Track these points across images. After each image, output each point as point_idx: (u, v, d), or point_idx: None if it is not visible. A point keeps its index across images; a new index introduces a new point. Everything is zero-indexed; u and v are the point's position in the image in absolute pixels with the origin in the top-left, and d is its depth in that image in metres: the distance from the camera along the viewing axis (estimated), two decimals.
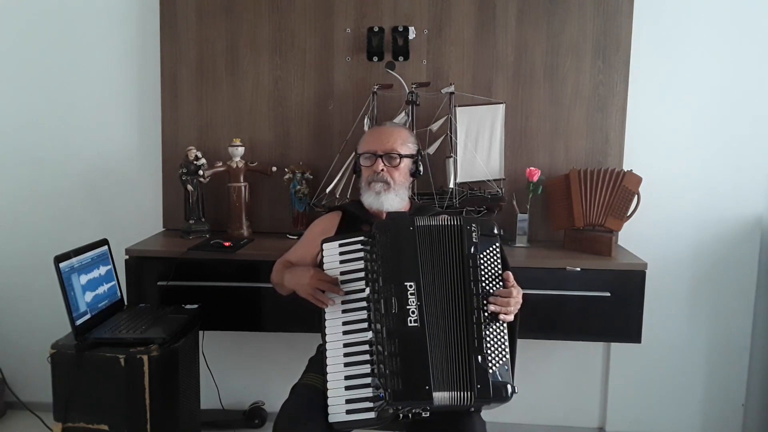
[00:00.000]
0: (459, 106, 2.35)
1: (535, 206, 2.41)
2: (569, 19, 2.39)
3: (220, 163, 2.42)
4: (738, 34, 2.40)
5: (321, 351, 1.63)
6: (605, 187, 2.26)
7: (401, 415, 1.44)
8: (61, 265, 1.86)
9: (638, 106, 2.42)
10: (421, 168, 1.91)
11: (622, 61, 2.39)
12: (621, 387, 2.59)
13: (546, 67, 2.42)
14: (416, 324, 1.44)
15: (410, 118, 2.33)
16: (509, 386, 1.42)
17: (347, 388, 1.48)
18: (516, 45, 2.41)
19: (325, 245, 1.64)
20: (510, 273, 1.53)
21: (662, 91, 2.44)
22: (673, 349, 2.55)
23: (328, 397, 1.49)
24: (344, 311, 1.55)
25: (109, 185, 2.62)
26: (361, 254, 1.57)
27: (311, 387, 1.64)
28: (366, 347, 1.49)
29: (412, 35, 2.42)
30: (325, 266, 1.62)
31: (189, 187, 2.39)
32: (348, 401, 1.47)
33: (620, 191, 2.25)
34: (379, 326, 1.46)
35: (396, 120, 2.33)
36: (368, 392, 1.46)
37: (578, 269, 2.13)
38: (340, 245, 1.62)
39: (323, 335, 1.55)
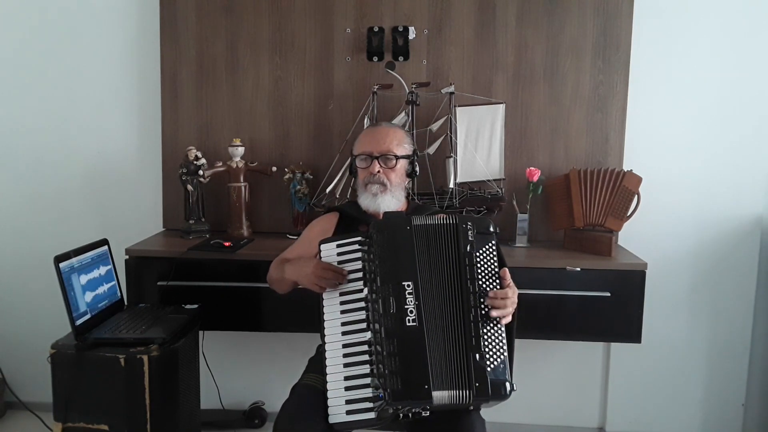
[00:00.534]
0: (459, 106, 2.35)
1: (535, 206, 2.41)
2: (569, 19, 2.39)
3: (220, 163, 2.42)
4: (738, 33, 2.40)
5: (320, 351, 1.63)
6: (605, 187, 2.26)
7: (401, 414, 1.44)
8: (61, 265, 1.86)
9: (638, 106, 2.42)
10: (418, 168, 1.91)
11: (622, 61, 2.39)
12: (621, 387, 2.59)
13: (546, 67, 2.41)
14: (414, 323, 1.44)
15: (410, 118, 2.33)
16: (508, 384, 1.42)
17: (347, 388, 1.48)
18: (516, 45, 2.41)
19: (322, 246, 1.64)
20: (506, 270, 1.53)
21: (662, 91, 2.44)
22: (673, 349, 2.55)
23: (328, 398, 1.49)
24: (343, 312, 1.55)
25: (109, 185, 2.62)
26: (359, 254, 1.57)
27: (311, 387, 1.64)
28: (365, 347, 1.49)
29: (412, 35, 2.42)
30: None
31: (189, 187, 2.39)
32: (348, 401, 1.47)
33: (620, 191, 2.25)
34: (377, 326, 1.46)
35: (396, 120, 2.33)
36: (368, 392, 1.46)
37: (578, 269, 2.13)
38: (338, 246, 1.62)
39: (322, 336, 1.55)
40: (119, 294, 2.15)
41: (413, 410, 1.44)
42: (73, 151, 2.60)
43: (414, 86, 2.35)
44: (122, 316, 2.05)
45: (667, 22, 2.41)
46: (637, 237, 2.40)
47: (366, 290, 1.52)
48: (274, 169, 2.46)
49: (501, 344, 1.46)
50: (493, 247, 1.54)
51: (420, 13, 2.42)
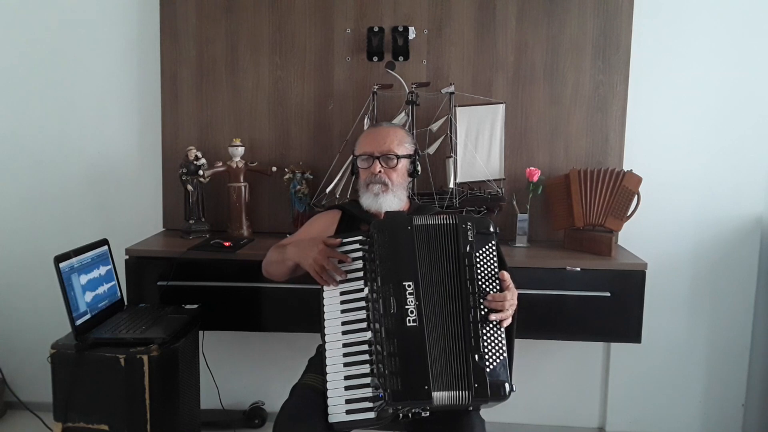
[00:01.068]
0: (459, 106, 2.35)
1: (535, 206, 2.41)
2: (569, 19, 2.39)
3: (220, 163, 2.42)
4: (738, 33, 2.40)
5: (320, 351, 1.63)
6: (605, 187, 2.26)
7: (401, 414, 1.45)
8: (61, 265, 1.86)
9: (638, 106, 2.42)
10: (419, 168, 1.91)
11: (622, 61, 2.39)
12: (621, 387, 2.59)
13: (546, 67, 2.41)
14: (415, 324, 1.44)
15: (410, 118, 2.33)
16: (507, 385, 1.42)
17: (347, 388, 1.48)
18: (516, 45, 2.41)
19: None
20: (506, 273, 1.53)
21: (662, 91, 2.44)
22: (673, 349, 2.55)
23: (327, 398, 1.49)
24: (343, 311, 1.55)
25: (109, 185, 2.62)
26: (360, 254, 1.57)
27: (311, 387, 1.64)
28: (365, 347, 1.49)
29: (412, 35, 2.42)
30: None
31: (189, 187, 2.39)
32: (348, 401, 1.47)
33: (620, 191, 2.25)
34: (378, 326, 1.46)
35: (396, 120, 2.33)
36: (368, 392, 1.46)
37: (578, 269, 2.13)
38: (339, 245, 1.61)
39: (322, 335, 1.55)
40: (119, 294, 2.15)
41: (413, 410, 1.44)
42: (73, 152, 2.60)
43: (414, 86, 2.35)
44: (122, 316, 2.05)
45: (667, 22, 2.41)
46: (637, 237, 2.40)
47: (366, 290, 1.52)
48: (274, 169, 2.46)
49: (500, 345, 1.46)
50: (494, 248, 1.54)
51: (420, 13, 2.42)
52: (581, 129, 2.43)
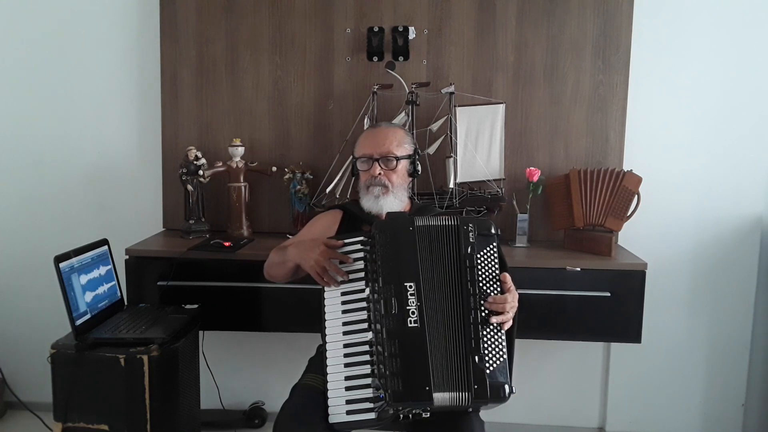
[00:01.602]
0: (459, 106, 2.35)
1: (535, 206, 2.41)
2: (569, 19, 2.39)
3: (220, 163, 2.42)
4: (738, 33, 2.40)
5: (321, 351, 1.63)
6: (605, 187, 2.26)
7: (401, 415, 1.44)
8: (61, 265, 1.86)
9: (638, 106, 2.42)
10: (419, 167, 1.90)
11: (622, 61, 2.39)
12: (621, 387, 2.59)
13: (546, 67, 2.41)
14: (416, 324, 1.44)
15: (410, 118, 2.33)
16: (506, 386, 1.42)
17: (347, 388, 1.48)
18: (516, 45, 2.41)
19: None
20: (507, 275, 1.53)
21: (662, 91, 2.44)
22: (673, 349, 2.55)
23: (328, 398, 1.49)
24: (344, 311, 1.55)
25: (109, 185, 2.62)
26: (361, 254, 1.56)
27: (311, 387, 1.64)
28: (366, 348, 1.49)
29: (412, 35, 2.42)
30: None
31: (189, 187, 2.39)
32: (348, 402, 1.47)
33: (620, 191, 2.25)
34: (379, 327, 1.46)
35: (396, 120, 2.33)
36: (368, 393, 1.46)
37: (578, 269, 2.13)
38: (341, 245, 1.61)
39: (323, 335, 1.55)
40: (119, 294, 2.15)
41: (414, 411, 1.44)
42: (73, 152, 2.60)
43: (414, 86, 2.35)
44: (122, 316, 2.05)
45: (667, 22, 2.41)
46: (637, 237, 2.40)
47: (368, 290, 1.52)
48: (274, 169, 2.46)
49: (501, 346, 1.46)
50: (494, 249, 1.54)
51: (420, 13, 2.42)
52: (581, 129, 2.43)
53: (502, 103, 2.37)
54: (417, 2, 2.41)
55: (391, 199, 1.79)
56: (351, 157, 1.93)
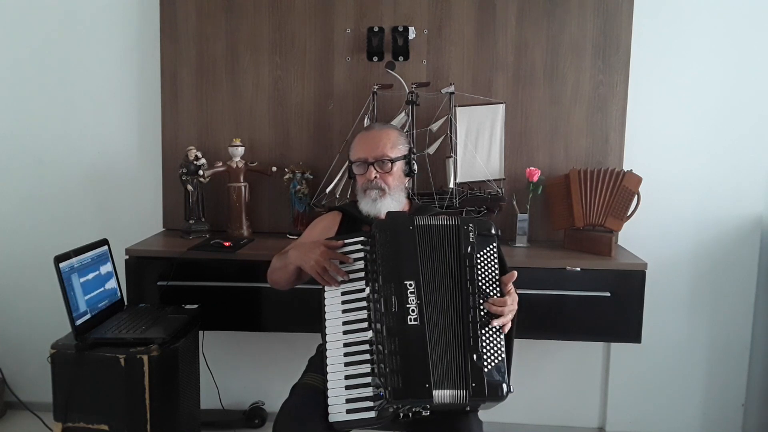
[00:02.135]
0: (459, 106, 2.35)
1: (535, 206, 2.41)
2: (569, 19, 2.39)
3: (220, 163, 2.42)
4: (738, 33, 2.40)
5: (321, 351, 1.63)
6: (605, 187, 2.26)
7: (401, 414, 1.45)
8: (61, 265, 1.86)
9: (638, 106, 2.42)
10: (416, 167, 1.90)
11: (622, 61, 2.39)
12: (621, 387, 2.59)
13: (546, 67, 2.42)
14: (416, 322, 1.44)
15: (410, 118, 2.33)
16: (504, 385, 1.43)
17: (347, 387, 1.48)
18: (516, 45, 2.41)
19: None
20: (514, 273, 1.53)
21: (662, 91, 2.44)
22: (673, 349, 2.55)
23: (328, 397, 1.49)
24: (344, 311, 1.55)
25: (109, 185, 2.62)
26: (362, 254, 1.57)
27: (311, 387, 1.64)
28: (366, 347, 1.49)
29: (412, 35, 2.42)
30: None
31: (189, 187, 2.39)
32: (348, 401, 1.47)
33: (620, 191, 2.25)
34: (379, 325, 1.46)
35: (396, 120, 2.33)
36: (368, 392, 1.46)
37: (578, 269, 2.13)
38: (341, 246, 1.61)
39: (323, 335, 1.55)
40: (119, 294, 2.15)
41: (413, 409, 1.44)
42: (73, 152, 2.60)
43: (414, 86, 2.35)
44: (122, 316, 2.05)
45: (667, 22, 2.41)
46: (637, 237, 2.40)
47: (368, 290, 1.53)
48: (274, 169, 2.46)
49: (499, 346, 1.46)
50: (494, 249, 1.54)
51: (420, 13, 2.42)
52: (581, 129, 2.43)
53: (502, 103, 2.37)
54: (417, 2, 2.41)
55: (389, 201, 1.79)
56: (347, 161, 1.92)
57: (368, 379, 1.47)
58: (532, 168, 2.35)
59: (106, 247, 2.12)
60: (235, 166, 2.41)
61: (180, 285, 2.17)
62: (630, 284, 2.12)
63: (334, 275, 1.57)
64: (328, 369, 1.51)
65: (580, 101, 2.42)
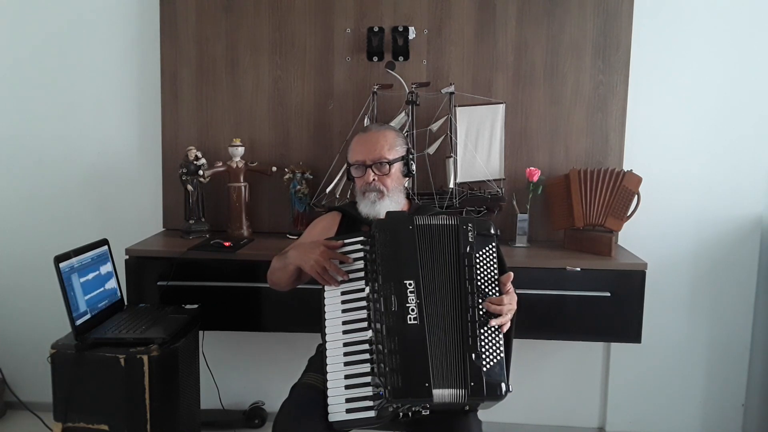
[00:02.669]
0: (459, 106, 2.35)
1: (535, 206, 2.41)
2: (569, 19, 2.39)
3: (220, 163, 2.42)
4: (738, 33, 2.40)
5: (320, 351, 1.63)
6: (605, 187, 2.26)
7: (401, 413, 1.45)
8: (61, 265, 1.86)
9: (638, 106, 2.42)
10: (414, 167, 1.88)
11: (622, 61, 2.39)
12: (621, 387, 2.59)
13: (546, 67, 2.42)
14: (416, 322, 1.44)
15: (410, 118, 2.33)
16: (503, 385, 1.43)
17: (347, 387, 1.48)
18: (516, 45, 2.41)
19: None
20: (511, 274, 1.53)
21: (662, 91, 2.44)
22: (673, 349, 2.55)
23: (328, 397, 1.49)
24: (344, 311, 1.55)
25: (109, 185, 2.62)
26: (361, 254, 1.57)
27: (311, 386, 1.64)
28: (366, 346, 1.49)
29: (412, 35, 2.42)
30: None
31: (189, 187, 2.39)
32: (348, 400, 1.47)
33: (620, 191, 2.25)
34: (378, 325, 1.46)
35: (396, 120, 2.33)
36: (368, 391, 1.46)
37: (578, 269, 2.13)
38: (341, 246, 1.61)
39: (323, 335, 1.55)
40: (119, 294, 2.15)
41: (413, 409, 1.44)
42: (73, 151, 2.60)
43: (414, 86, 2.35)
44: (122, 316, 2.05)
45: (667, 22, 2.41)
46: (637, 237, 2.40)
47: (368, 289, 1.53)
48: (274, 169, 2.46)
49: (498, 345, 1.46)
50: (494, 249, 1.54)
51: (420, 13, 2.42)
52: (581, 129, 2.43)
53: (502, 103, 2.37)
54: (417, 2, 2.41)
55: (388, 203, 1.79)
56: (346, 163, 1.92)
57: (368, 379, 1.47)
58: (532, 168, 2.35)
59: (106, 247, 2.12)
60: (235, 166, 2.41)
61: (180, 285, 2.17)
62: (630, 284, 2.12)
63: (334, 275, 1.57)
64: (328, 368, 1.51)
65: (580, 101, 2.42)
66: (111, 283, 2.10)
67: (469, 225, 1.54)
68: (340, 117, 2.47)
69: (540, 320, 2.12)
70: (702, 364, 2.56)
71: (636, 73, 2.40)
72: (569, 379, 2.62)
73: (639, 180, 2.28)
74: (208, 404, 2.47)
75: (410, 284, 1.47)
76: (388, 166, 1.80)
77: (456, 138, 2.35)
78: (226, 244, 2.22)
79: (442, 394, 1.41)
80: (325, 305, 1.58)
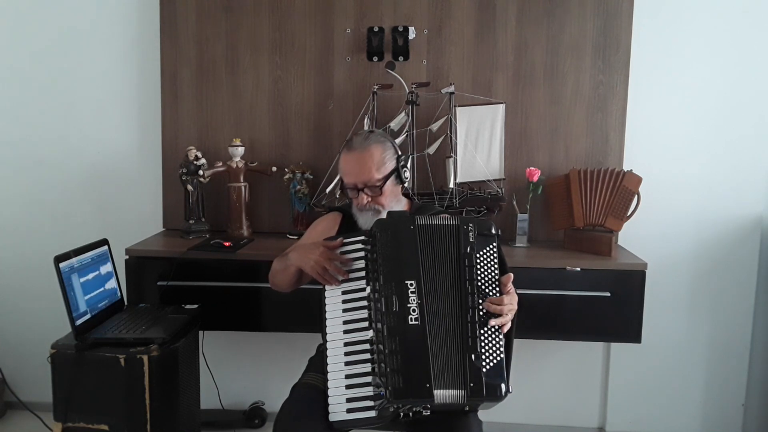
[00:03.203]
0: (459, 106, 2.35)
1: (535, 206, 2.41)
2: (569, 19, 2.39)
3: (220, 163, 2.42)
4: (738, 33, 2.40)
5: (321, 351, 1.63)
6: (605, 187, 2.26)
7: (401, 414, 1.45)
8: (61, 265, 1.86)
9: (638, 106, 2.42)
10: (407, 174, 1.81)
11: (622, 61, 2.39)
12: (621, 387, 2.59)
13: (546, 67, 2.42)
14: (417, 322, 1.44)
15: (410, 118, 2.34)
16: (503, 385, 1.42)
17: (348, 387, 1.48)
18: (516, 45, 2.41)
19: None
20: (510, 275, 1.53)
21: (662, 91, 2.44)
22: (673, 349, 2.55)
23: (328, 396, 1.49)
24: (345, 310, 1.55)
25: (109, 185, 2.62)
26: (362, 253, 1.57)
27: (312, 386, 1.64)
28: (366, 346, 1.49)
29: (412, 35, 2.42)
30: None
31: (189, 187, 2.39)
32: (348, 400, 1.47)
33: (620, 191, 2.25)
34: (379, 325, 1.46)
35: (396, 120, 2.33)
36: (369, 391, 1.46)
37: (578, 269, 2.13)
38: (342, 245, 1.61)
39: (324, 334, 1.55)
40: (119, 294, 2.15)
41: (414, 409, 1.44)
42: (73, 151, 2.60)
43: (414, 86, 2.35)
44: (122, 316, 2.05)
45: (667, 22, 2.41)
46: (637, 237, 2.40)
47: (369, 289, 1.53)
48: (274, 169, 2.46)
49: (498, 346, 1.46)
50: (494, 249, 1.54)
51: (420, 13, 2.42)
52: (581, 129, 2.43)
53: (502, 103, 2.37)
54: (417, 2, 2.41)
55: (386, 214, 1.76)
56: (339, 178, 1.89)
57: (369, 379, 1.47)
58: (532, 168, 2.35)
59: (106, 247, 2.12)
60: (235, 166, 2.41)
61: (180, 285, 2.17)
62: (630, 284, 2.12)
63: (335, 274, 1.57)
64: (329, 368, 1.51)
65: (580, 101, 2.42)
66: (111, 283, 2.10)
67: (470, 225, 1.54)
68: (340, 117, 2.47)
69: (540, 320, 2.12)
70: (702, 364, 2.56)
71: (636, 73, 2.40)
72: (569, 379, 2.62)
73: (639, 180, 2.28)
74: (208, 404, 2.47)
75: (411, 284, 1.47)
76: (379, 189, 1.74)
77: (456, 138, 2.35)
78: (226, 244, 2.22)
79: (443, 395, 1.40)
80: (325, 305, 1.57)
